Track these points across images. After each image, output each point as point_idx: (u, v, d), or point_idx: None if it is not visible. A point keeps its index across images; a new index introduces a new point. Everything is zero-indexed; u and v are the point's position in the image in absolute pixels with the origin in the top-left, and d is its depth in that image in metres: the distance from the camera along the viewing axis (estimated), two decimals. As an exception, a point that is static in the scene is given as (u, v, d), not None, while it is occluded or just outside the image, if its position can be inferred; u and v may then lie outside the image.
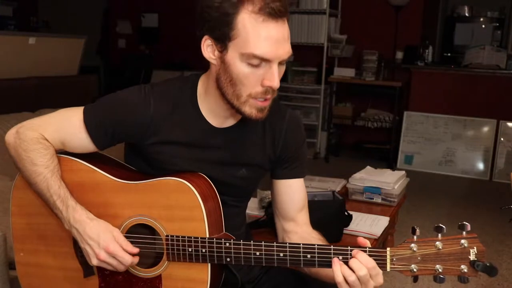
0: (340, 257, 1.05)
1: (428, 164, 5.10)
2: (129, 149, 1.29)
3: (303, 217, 1.31)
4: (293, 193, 1.30)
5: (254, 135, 1.25)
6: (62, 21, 7.36)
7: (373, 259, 1.04)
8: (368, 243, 1.06)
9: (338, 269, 1.04)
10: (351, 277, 1.03)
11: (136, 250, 1.15)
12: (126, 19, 6.99)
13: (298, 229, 1.30)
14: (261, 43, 1.04)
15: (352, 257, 1.04)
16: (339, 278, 1.04)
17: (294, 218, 1.30)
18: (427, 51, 5.37)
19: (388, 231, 2.17)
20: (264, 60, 1.06)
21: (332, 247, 1.07)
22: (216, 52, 1.10)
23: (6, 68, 3.66)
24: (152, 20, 6.80)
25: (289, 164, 1.28)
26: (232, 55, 1.07)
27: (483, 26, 6.39)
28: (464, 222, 1.01)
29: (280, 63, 1.09)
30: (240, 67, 1.07)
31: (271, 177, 1.32)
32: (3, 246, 1.40)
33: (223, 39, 1.07)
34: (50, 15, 7.58)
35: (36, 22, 7.47)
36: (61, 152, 1.22)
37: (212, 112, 1.20)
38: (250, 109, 1.11)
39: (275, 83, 1.07)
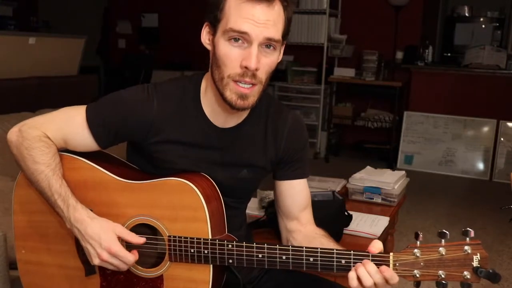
0: (343, 261, 1.05)
1: (428, 164, 5.10)
2: (131, 148, 1.29)
3: (307, 216, 1.32)
4: (296, 193, 1.30)
5: (256, 137, 1.24)
6: (62, 21, 7.35)
7: (376, 264, 1.04)
8: (376, 251, 1.06)
9: (353, 274, 1.04)
10: (369, 282, 1.03)
11: (142, 239, 1.15)
12: (126, 19, 6.98)
13: (302, 228, 1.30)
14: (241, 19, 1.05)
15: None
16: (353, 283, 1.04)
17: (298, 217, 1.31)
18: (427, 51, 5.37)
19: (388, 231, 2.17)
20: (242, 35, 1.05)
21: (335, 250, 1.07)
22: (210, 37, 1.13)
23: (6, 68, 3.65)
24: (152, 20, 6.79)
25: (291, 165, 1.28)
26: (218, 36, 1.09)
27: (483, 26, 6.39)
28: (468, 229, 1.00)
29: (266, 49, 1.08)
30: (222, 46, 1.08)
31: (274, 178, 1.32)
32: (3, 246, 1.40)
33: (214, 23, 1.10)
34: (50, 15, 7.57)
35: (36, 22, 7.45)
36: (64, 150, 1.22)
37: (213, 109, 1.19)
38: (230, 94, 1.10)
39: (252, 63, 1.06)
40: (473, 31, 6.24)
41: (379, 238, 1.87)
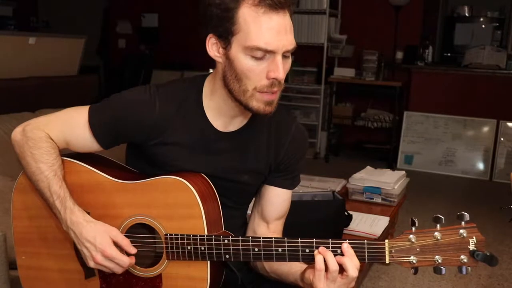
0: (339, 250, 1.06)
1: (428, 164, 5.10)
2: (131, 150, 1.29)
3: (278, 226, 1.32)
4: (279, 202, 1.31)
5: (258, 142, 1.24)
6: (62, 21, 7.35)
7: (372, 251, 1.05)
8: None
9: (321, 259, 1.05)
10: (334, 271, 1.03)
11: (134, 250, 1.15)
12: (126, 19, 6.98)
13: (269, 235, 1.30)
14: (263, 35, 1.04)
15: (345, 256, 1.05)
16: (319, 265, 1.04)
17: (269, 223, 1.31)
18: (427, 51, 5.37)
19: (388, 231, 2.18)
20: (267, 52, 1.06)
21: (330, 241, 1.07)
22: (221, 50, 1.11)
23: (6, 68, 3.65)
24: (152, 20, 6.79)
25: (283, 174, 1.29)
26: (235, 50, 1.08)
27: (483, 26, 6.38)
28: (463, 212, 1.00)
29: (284, 56, 1.09)
30: (244, 61, 1.07)
31: (262, 181, 1.32)
32: (3, 246, 1.40)
33: (226, 35, 1.08)
34: (50, 15, 7.58)
35: (36, 22, 7.46)
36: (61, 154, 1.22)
37: (219, 112, 1.19)
38: (257, 104, 1.10)
39: (280, 74, 1.07)
40: (473, 31, 6.24)
41: (379, 238, 1.87)
